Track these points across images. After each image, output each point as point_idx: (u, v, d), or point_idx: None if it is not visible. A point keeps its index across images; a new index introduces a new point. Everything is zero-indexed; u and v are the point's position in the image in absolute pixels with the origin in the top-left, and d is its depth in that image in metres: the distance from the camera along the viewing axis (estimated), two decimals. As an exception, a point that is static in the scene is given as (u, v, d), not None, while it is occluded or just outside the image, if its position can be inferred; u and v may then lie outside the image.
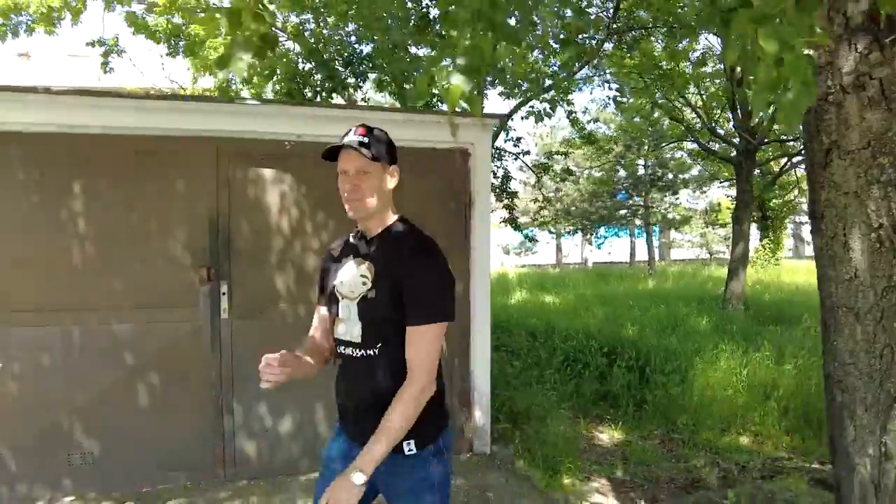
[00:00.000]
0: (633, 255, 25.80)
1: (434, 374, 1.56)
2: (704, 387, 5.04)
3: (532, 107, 8.08)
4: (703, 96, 10.98)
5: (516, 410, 4.66)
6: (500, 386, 5.00)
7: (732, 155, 10.52)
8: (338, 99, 7.40)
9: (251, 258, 3.53)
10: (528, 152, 9.59)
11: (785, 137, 10.95)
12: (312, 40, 7.37)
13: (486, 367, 3.97)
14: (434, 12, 6.86)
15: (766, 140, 10.01)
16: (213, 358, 3.46)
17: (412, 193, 3.70)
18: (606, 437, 4.55)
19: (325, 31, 7.49)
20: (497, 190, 8.78)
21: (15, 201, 3.20)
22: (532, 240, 12.90)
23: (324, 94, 7.05)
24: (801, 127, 2.26)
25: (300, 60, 7.44)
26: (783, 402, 4.72)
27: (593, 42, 7.50)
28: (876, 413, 2.02)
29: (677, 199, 22.42)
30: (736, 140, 10.11)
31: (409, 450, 1.56)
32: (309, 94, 6.95)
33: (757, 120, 9.14)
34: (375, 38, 7.01)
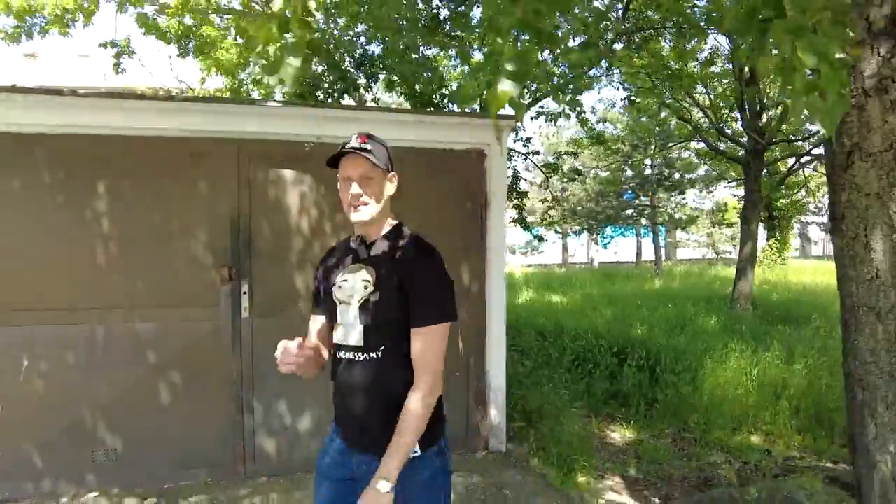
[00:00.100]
0: (639, 254, 25.74)
1: (441, 375, 1.59)
2: (715, 386, 5.06)
3: (542, 107, 8.10)
4: (711, 96, 10.98)
5: (529, 409, 4.69)
6: (512, 385, 5.03)
7: (741, 154, 10.51)
8: (348, 100, 7.43)
9: (271, 258, 3.58)
10: (537, 152, 9.61)
11: (793, 137, 10.95)
12: (323, 42, 7.40)
13: (502, 366, 4.00)
14: (444, 13, 6.91)
15: (774, 140, 10.00)
16: (234, 356, 3.51)
17: (429, 194, 3.77)
18: (618, 435, 4.59)
19: (335, 32, 7.52)
20: (507, 190, 8.79)
21: (40, 202, 3.25)
22: (541, 239, 12.94)
23: (335, 95, 7.08)
24: (811, 127, 2.29)
25: (314, 62, 7.47)
26: (794, 402, 4.73)
27: (603, 43, 7.50)
28: (897, 411, 2.05)
29: (684, 198, 22.42)
30: (744, 140, 10.10)
31: (414, 452, 1.57)
32: (321, 96, 6.98)
33: (765, 119, 9.14)
34: (386, 38, 7.04)
